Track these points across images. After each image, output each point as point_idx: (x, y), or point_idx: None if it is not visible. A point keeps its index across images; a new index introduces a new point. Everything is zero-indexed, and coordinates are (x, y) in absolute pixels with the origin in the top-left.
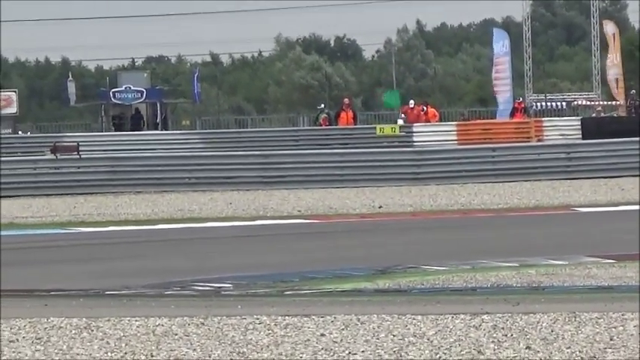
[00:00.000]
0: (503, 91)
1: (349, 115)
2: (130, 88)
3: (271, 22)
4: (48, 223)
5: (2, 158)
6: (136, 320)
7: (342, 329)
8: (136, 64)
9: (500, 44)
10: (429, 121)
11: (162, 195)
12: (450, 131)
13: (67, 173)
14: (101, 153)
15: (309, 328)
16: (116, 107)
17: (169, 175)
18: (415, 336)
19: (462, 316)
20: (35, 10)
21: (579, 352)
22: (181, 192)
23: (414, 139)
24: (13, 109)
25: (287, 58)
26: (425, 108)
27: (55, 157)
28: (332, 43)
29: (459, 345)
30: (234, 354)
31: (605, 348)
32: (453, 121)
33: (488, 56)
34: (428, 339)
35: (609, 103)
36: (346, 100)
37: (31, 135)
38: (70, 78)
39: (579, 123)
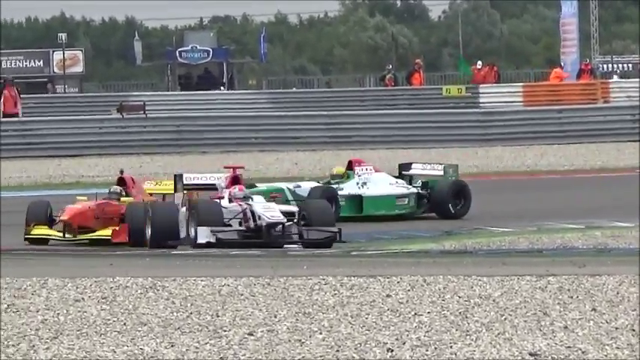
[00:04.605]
0: (570, 53)
1: (421, 75)
2: (196, 47)
3: None
4: (114, 183)
5: (67, 117)
6: (202, 280)
7: (408, 290)
8: (204, 23)
9: (569, 5)
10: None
11: (229, 154)
12: (516, 92)
13: (133, 133)
14: (167, 112)
15: (374, 288)
16: (182, 67)
17: (235, 134)
18: (481, 297)
19: (528, 277)
20: None
21: None
22: (247, 152)
23: (481, 100)
24: (79, 68)
25: (349, 20)
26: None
27: (121, 117)
28: (398, 3)
29: (525, 306)
30: (300, 314)
31: None
32: (518, 83)
33: (553, 18)
34: (494, 300)
35: None
36: (418, 61)
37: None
38: (137, 37)
39: None
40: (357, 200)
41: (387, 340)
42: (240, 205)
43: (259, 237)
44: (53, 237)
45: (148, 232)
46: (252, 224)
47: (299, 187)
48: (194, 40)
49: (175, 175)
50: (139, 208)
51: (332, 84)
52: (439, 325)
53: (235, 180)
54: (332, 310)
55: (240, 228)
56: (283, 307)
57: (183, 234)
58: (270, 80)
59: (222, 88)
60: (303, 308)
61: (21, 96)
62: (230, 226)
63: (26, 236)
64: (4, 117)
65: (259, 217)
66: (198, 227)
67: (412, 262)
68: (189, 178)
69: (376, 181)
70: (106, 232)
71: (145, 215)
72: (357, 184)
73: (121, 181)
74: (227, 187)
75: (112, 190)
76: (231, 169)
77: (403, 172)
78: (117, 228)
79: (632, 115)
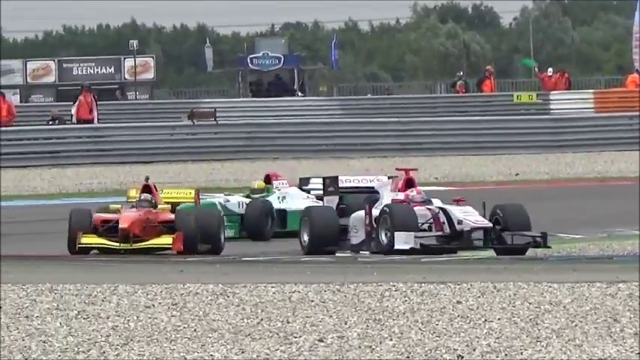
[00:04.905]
0: None
1: (492, 82)
2: (267, 54)
3: None
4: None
5: (138, 123)
6: (272, 287)
7: (479, 297)
8: (275, 30)
9: None
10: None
11: (300, 161)
12: (587, 99)
13: (204, 139)
14: (238, 119)
15: (445, 295)
16: (253, 73)
17: (306, 141)
18: (551, 304)
19: (598, 284)
20: None
21: None
22: (318, 158)
23: (551, 106)
24: (150, 75)
25: (421, 27)
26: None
27: (192, 123)
28: (469, 10)
29: (595, 313)
30: (370, 321)
31: None
32: (588, 89)
33: (624, 24)
34: (564, 307)
35: None
36: (489, 68)
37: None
38: (208, 44)
39: None
40: (281, 215)
41: (457, 346)
42: (430, 209)
43: (455, 242)
44: (107, 246)
45: (304, 237)
46: (447, 229)
47: (228, 201)
48: (265, 46)
49: (326, 178)
50: (190, 216)
51: (393, 91)
52: (509, 332)
53: (410, 182)
54: (402, 316)
55: (437, 233)
56: (353, 314)
57: (357, 239)
58: (340, 87)
59: (299, 94)
60: (374, 315)
61: (97, 103)
62: (425, 230)
63: (79, 245)
64: (78, 122)
65: (459, 222)
66: (396, 232)
67: (483, 268)
68: (343, 181)
69: (293, 196)
70: (165, 241)
71: (195, 221)
72: (278, 198)
73: (146, 189)
74: (400, 190)
75: (142, 197)
76: (404, 171)
77: (302, 187)
78: (174, 236)
79: None
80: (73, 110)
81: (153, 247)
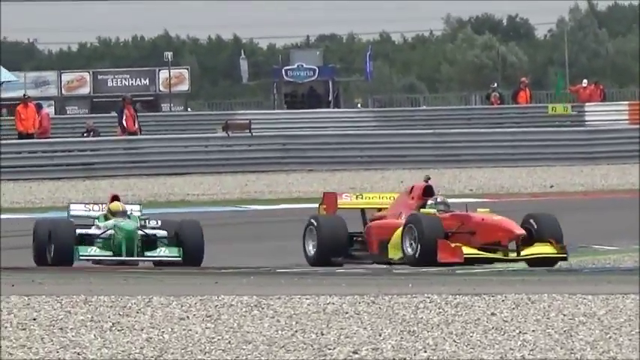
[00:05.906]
0: None
1: (527, 93)
2: (302, 66)
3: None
4: (219, 201)
5: (173, 135)
6: (307, 298)
7: (513, 308)
8: (310, 42)
9: None
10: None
11: (334, 173)
12: (622, 111)
13: (239, 151)
14: (273, 131)
15: (479, 307)
16: (288, 85)
17: (341, 153)
18: (585, 315)
19: (633, 296)
20: None
21: None
22: (353, 170)
23: (586, 118)
24: (185, 87)
25: (457, 38)
26: None
27: (226, 135)
28: (504, 22)
29: (630, 325)
30: (405, 333)
31: None
32: (623, 101)
33: None
34: (598, 319)
35: None
36: (524, 79)
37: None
38: (243, 56)
39: None
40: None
41: (491, 358)
42: None
43: None
44: (489, 257)
45: None
46: None
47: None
48: (300, 58)
49: None
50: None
51: (422, 103)
52: (543, 344)
53: None
54: (437, 328)
55: None
56: (388, 326)
57: None
58: (375, 98)
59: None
60: (408, 326)
61: (137, 114)
62: None
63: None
64: (127, 135)
65: None
66: None
67: (517, 280)
68: None
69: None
70: (548, 250)
71: None
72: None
73: (428, 191)
74: None
75: (439, 200)
76: None
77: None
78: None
79: None
80: (125, 124)
81: (541, 257)
